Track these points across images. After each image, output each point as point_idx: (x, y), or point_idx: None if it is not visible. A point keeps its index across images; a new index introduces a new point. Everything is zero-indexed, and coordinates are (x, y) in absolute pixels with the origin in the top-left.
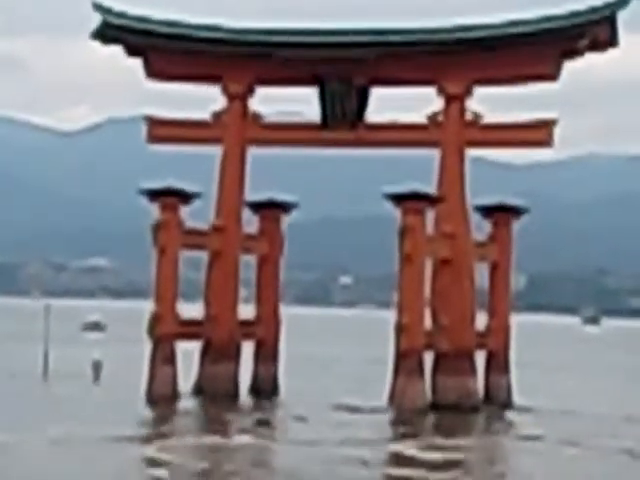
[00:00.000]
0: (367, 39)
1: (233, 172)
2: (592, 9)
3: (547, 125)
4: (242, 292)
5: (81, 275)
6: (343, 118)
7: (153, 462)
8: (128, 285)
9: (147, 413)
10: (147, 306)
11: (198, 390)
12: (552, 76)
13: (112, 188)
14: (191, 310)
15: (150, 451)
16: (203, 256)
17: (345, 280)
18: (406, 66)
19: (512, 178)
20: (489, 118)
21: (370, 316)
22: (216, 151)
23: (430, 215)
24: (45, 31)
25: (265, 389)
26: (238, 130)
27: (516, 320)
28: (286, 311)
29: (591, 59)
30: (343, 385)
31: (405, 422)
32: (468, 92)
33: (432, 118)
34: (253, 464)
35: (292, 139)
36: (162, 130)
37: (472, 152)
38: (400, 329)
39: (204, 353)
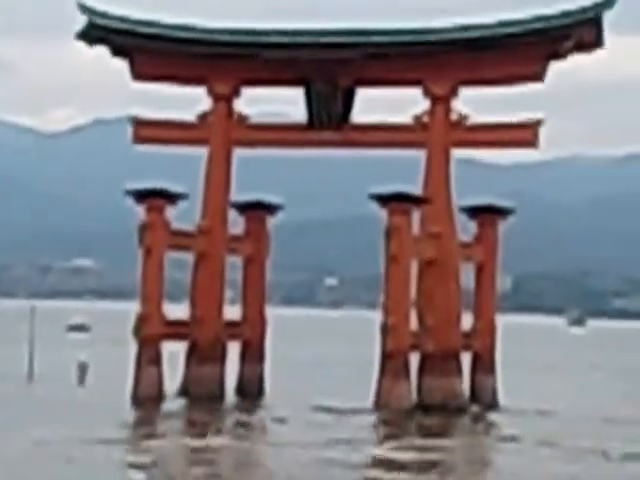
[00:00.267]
0: (352, 40)
1: (219, 173)
2: (578, 10)
3: (533, 126)
4: (228, 293)
5: (66, 276)
6: (329, 119)
7: (132, 465)
8: (113, 286)
9: (131, 415)
10: (133, 307)
11: (184, 391)
12: (538, 77)
13: (98, 189)
14: (177, 311)
15: (130, 454)
16: (189, 257)
17: (331, 281)
18: (392, 67)
19: (498, 179)
20: (475, 119)
21: (356, 317)
22: (202, 152)
23: (416, 216)
24: (31, 32)
25: (251, 390)
26: (224, 131)
27: (502, 321)
28: (272, 312)
29: (577, 60)
30: (329, 386)
31: (390, 423)
32: (454, 93)
33: (418, 119)
34: (233, 466)
35: (278, 140)
36: (148, 131)
37: (458, 153)
38: (386, 330)
39: (190, 354)
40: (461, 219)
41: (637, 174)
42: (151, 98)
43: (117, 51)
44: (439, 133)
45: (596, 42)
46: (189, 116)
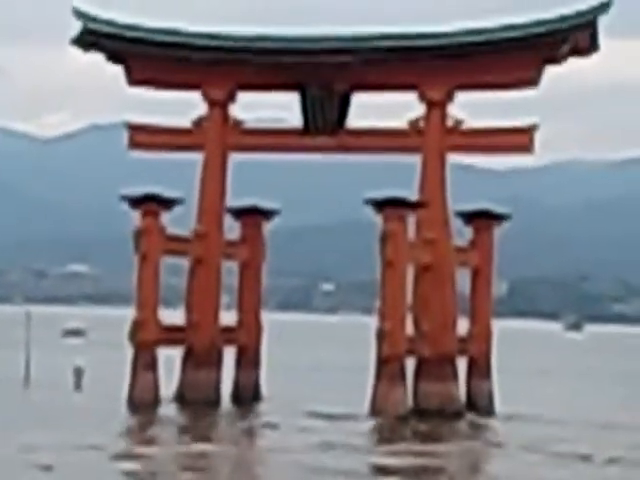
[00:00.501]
0: (348, 45)
1: (214, 178)
2: (573, 15)
3: (528, 131)
4: (224, 298)
5: (62, 282)
6: (324, 124)
7: (120, 472)
8: (109, 292)
9: (126, 421)
10: (128, 313)
11: (180, 396)
12: (533, 82)
13: (93, 194)
14: (173, 316)
15: (120, 461)
16: (184, 262)
17: (327, 286)
18: (387, 72)
19: (493, 184)
20: (470, 124)
21: (352, 322)
22: (197, 157)
23: (411, 221)
24: (26, 38)
25: (247, 395)
26: (219, 136)
27: (498, 326)
28: (268, 317)
29: (572, 64)
30: (325, 392)
31: (385, 428)
32: (449, 98)
33: (413, 124)
34: (224, 473)
35: (273, 145)
36: (143, 136)
37: (453, 158)
38: (382, 335)
39: (186, 359)
40: (457, 224)
41: (634, 178)
42: (146, 103)
43: (111, 56)
44: (435, 138)
45: (591, 46)
46: (184, 121)
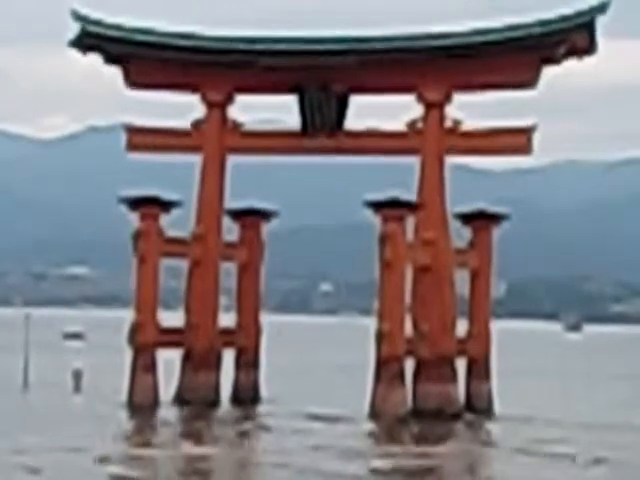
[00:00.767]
0: (346, 47)
1: (213, 180)
2: (570, 16)
3: (526, 132)
4: (223, 300)
5: (61, 284)
6: (323, 126)
7: (112, 476)
8: (108, 294)
9: (125, 423)
10: (127, 315)
11: (179, 398)
12: (531, 83)
13: (92, 197)
14: (172, 318)
15: (112, 465)
16: (184, 264)
17: (325, 288)
18: (385, 73)
19: (492, 185)
20: (468, 124)
21: (351, 323)
22: (196, 159)
23: (410, 222)
24: (25, 40)
25: (246, 397)
26: (218, 138)
27: (496, 327)
28: (267, 319)
29: (570, 65)
30: (324, 393)
31: (384, 430)
32: (447, 99)
33: (412, 125)
34: (222, 476)
35: (272, 147)
36: (142, 138)
37: (452, 159)
38: (381, 336)
39: (185, 361)
40: (455, 225)
41: (632, 179)
42: (145, 106)
43: (110, 59)
44: (433, 139)
45: (589, 47)
46: (183, 123)
